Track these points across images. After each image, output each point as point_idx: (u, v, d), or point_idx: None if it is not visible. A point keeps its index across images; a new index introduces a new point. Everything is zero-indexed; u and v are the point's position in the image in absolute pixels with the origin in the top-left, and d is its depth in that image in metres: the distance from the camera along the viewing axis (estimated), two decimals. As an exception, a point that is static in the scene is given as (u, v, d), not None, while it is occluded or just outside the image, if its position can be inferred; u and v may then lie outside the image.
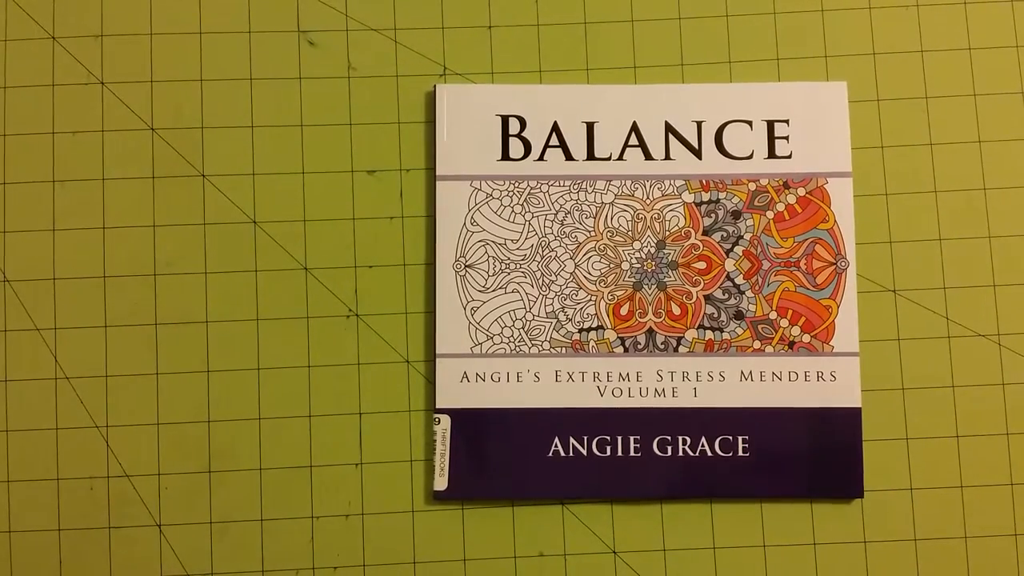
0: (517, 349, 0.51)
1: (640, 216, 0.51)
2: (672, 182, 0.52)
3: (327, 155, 0.52)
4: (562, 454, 0.50)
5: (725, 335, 0.51)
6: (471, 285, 0.51)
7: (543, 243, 0.51)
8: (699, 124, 0.52)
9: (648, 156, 0.52)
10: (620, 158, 0.52)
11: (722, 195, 0.51)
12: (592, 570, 0.50)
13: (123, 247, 0.51)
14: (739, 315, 0.51)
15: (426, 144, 0.52)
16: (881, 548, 0.50)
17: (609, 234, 0.51)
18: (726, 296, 0.51)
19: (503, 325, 0.51)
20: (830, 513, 0.50)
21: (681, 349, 0.51)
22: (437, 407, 0.50)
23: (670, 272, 0.51)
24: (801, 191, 0.51)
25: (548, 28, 0.53)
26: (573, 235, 0.51)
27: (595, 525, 0.50)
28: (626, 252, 0.51)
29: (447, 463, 0.50)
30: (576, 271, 0.51)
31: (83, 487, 0.50)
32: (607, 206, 0.51)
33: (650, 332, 0.51)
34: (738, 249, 0.51)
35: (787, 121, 0.52)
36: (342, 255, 0.51)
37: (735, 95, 0.52)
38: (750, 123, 0.52)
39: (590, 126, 0.52)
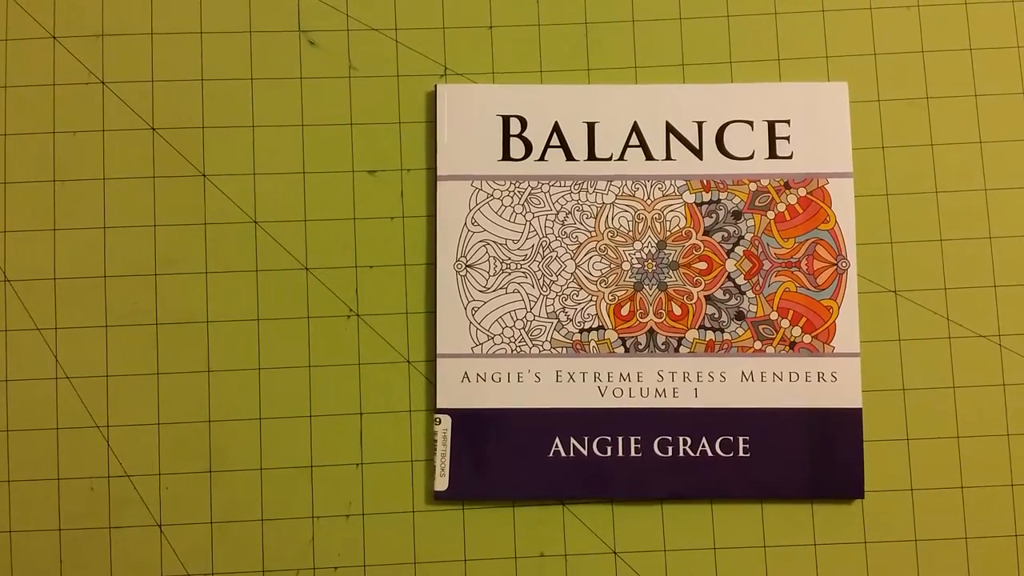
0: (518, 349, 0.50)
1: (641, 216, 0.51)
2: (673, 182, 0.51)
3: (328, 155, 0.52)
4: (563, 454, 0.50)
5: (726, 335, 0.51)
6: (472, 285, 0.51)
7: (544, 243, 0.51)
8: (700, 124, 0.52)
9: (649, 156, 0.52)
10: (621, 158, 0.52)
11: (723, 195, 0.51)
12: (592, 570, 0.50)
13: (123, 247, 0.51)
14: (740, 315, 0.51)
15: (427, 144, 0.52)
16: (881, 549, 0.50)
17: (610, 234, 0.51)
18: (727, 296, 0.51)
19: (504, 325, 0.51)
20: (830, 514, 0.50)
21: (682, 349, 0.51)
22: (438, 407, 0.50)
23: (671, 272, 0.51)
24: (802, 191, 0.51)
25: (549, 28, 0.53)
26: (574, 235, 0.51)
27: (595, 525, 0.50)
28: (627, 252, 0.51)
29: (448, 463, 0.50)
30: (577, 271, 0.51)
31: (83, 487, 0.50)
32: (608, 206, 0.51)
33: (651, 332, 0.51)
34: (739, 249, 0.51)
35: (788, 121, 0.52)
36: (342, 255, 0.51)
37: (736, 95, 0.52)
38: (751, 123, 0.52)
39: (591, 126, 0.52)
